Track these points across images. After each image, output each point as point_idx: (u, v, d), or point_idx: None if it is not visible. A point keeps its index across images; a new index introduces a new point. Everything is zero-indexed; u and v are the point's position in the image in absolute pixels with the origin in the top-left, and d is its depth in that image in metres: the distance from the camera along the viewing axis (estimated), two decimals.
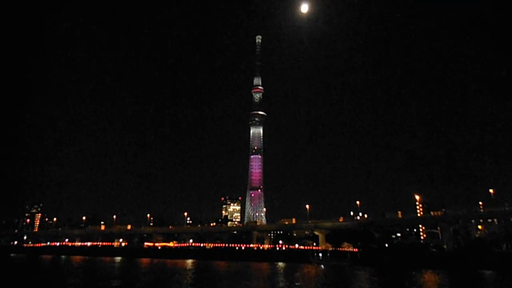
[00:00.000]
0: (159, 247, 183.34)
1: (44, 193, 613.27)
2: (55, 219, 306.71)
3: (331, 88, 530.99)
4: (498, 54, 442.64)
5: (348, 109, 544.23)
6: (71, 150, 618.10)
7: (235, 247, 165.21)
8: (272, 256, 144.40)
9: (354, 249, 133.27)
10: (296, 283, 69.78)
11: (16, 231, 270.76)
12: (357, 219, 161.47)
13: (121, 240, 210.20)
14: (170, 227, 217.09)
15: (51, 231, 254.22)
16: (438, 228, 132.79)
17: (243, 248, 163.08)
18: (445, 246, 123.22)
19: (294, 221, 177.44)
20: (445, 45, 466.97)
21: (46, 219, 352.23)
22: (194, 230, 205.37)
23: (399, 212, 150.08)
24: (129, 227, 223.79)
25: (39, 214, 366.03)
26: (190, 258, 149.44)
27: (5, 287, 60.60)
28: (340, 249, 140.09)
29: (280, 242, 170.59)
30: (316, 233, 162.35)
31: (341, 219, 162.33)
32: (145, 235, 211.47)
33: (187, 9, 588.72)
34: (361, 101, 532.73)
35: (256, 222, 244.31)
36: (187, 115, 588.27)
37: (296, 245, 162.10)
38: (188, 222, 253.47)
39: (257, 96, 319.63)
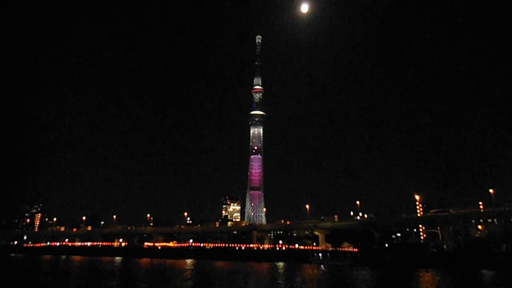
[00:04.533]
0: (159, 247, 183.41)
1: (44, 193, 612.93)
2: (55, 219, 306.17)
3: (331, 88, 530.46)
4: (499, 53, 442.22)
5: (348, 109, 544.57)
6: (71, 150, 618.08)
7: (235, 247, 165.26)
8: (272, 256, 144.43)
9: (354, 249, 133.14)
10: (296, 283, 69.68)
11: (16, 230, 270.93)
12: (357, 219, 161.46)
13: (121, 240, 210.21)
14: (170, 227, 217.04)
15: (51, 231, 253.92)
16: (438, 228, 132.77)
17: (243, 248, 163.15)
18: (445, 246, 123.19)
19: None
20: (446, 43, 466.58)
21: (46, 219, 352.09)
22: (194, 230, 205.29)
23: (399, 212, 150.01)
24: (129, 227, 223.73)
25: (39, 214, 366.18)
26: (190, 258, 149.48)
27: (5, 287, 60.60)
28: (340, 249, 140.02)
29: (280, 242, 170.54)
30: (316, 233, 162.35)
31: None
32: (145, 235, 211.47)
33: (186, 9, 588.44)
34: (361, 101, 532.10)
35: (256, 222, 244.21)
36: (187, 115, 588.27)
37: (296, 245, 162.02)
38: (188, 222, 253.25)
39: (257, 96, 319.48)
